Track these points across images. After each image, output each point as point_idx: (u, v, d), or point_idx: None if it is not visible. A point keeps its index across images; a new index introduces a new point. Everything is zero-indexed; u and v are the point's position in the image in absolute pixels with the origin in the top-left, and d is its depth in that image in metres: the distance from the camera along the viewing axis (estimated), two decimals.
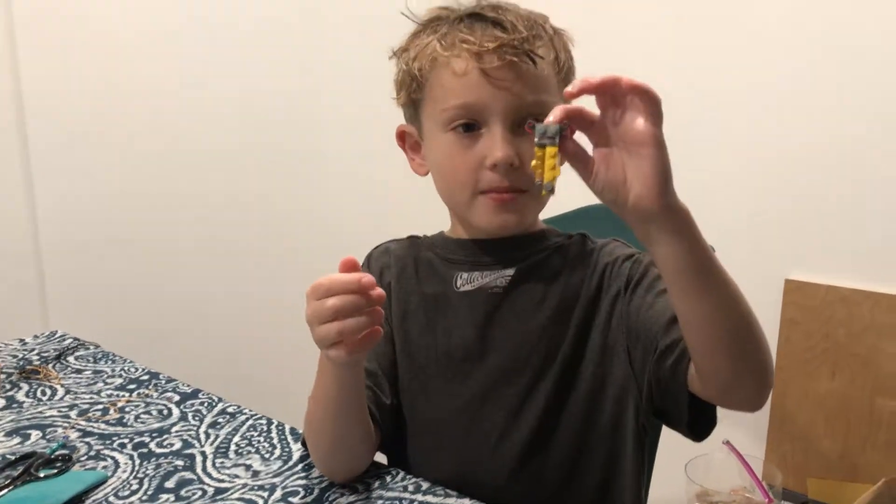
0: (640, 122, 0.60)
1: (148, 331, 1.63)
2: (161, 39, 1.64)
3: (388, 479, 0.84)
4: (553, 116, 0.62)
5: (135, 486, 0.83)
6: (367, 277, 0.67)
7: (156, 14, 1.63)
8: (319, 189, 1.95)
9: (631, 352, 0.82)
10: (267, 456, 0.89)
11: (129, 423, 0.98)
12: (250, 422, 0.98)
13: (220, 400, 1.04)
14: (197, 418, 0.99)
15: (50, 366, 1.15)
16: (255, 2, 1.78)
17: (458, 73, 0.81)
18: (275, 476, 0.85)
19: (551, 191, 0.65)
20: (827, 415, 1.69)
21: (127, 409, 1.02)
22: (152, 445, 0.92)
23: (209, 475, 0.85)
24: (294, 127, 1.88)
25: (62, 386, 1.09)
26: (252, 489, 0.82)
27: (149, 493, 0.82)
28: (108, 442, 0.93)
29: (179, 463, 0.88)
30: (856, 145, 1.63)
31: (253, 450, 0.91)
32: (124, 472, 0.86)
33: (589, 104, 0.64)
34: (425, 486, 0.82)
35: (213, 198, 1.77)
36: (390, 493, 0.81)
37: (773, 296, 1.74)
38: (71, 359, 1.19)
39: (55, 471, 0.85)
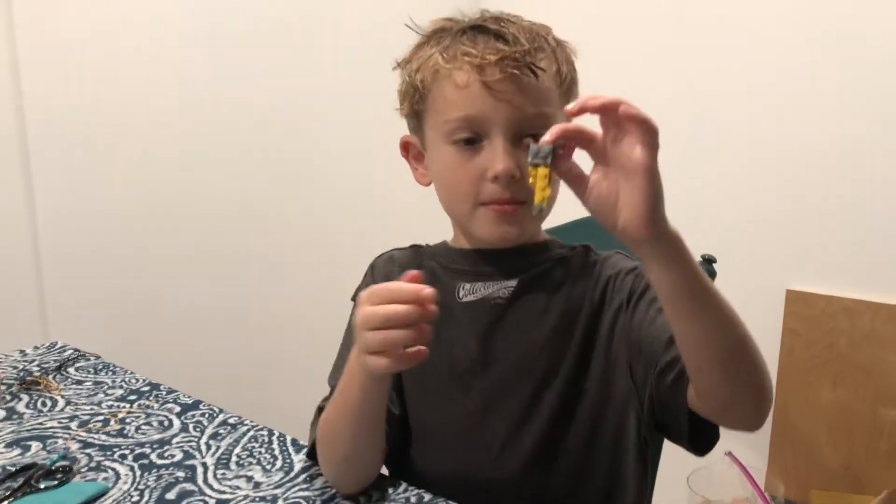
0: (635, 151, 0.60)
1: (148, 342, 1.63)
2: (161, 40, 1.63)
3: (391, 490, 0.83)
4: (548, 136, 0.63)
5: (136, 498, 0.83)
6: (428, 290, 0.67)
7: (157, 16, 1.62)
8: (325, 201, 1.94)
9: (633, 365, 0.82)
10: (268, 467, 0.89)
11: (129, 435, 0.98)
12: (251, 433, 0.97)
13: (221, 411, 1.03)
14: (198, 429, 0.99)
15: (50, 377, 1.15)
16: (258, 4, 1.78)
17: (460, 85, 0.81)
18: (276, 487, 0.85)
19: (541, 212, 0.65)
20: (829, 425, 1.69)
21: (128, 421, 1.02)
22: (153, 457, 0.92)
23: (210, 486, 0.85)
24: (300, 134, 1.88)
25: (63, 397, 1.09)
26: (254, 501, 0.82)
27: None
28: (108, 453, 0.93)
29: (180, 474, 0.88)
30: (858, 156, 1.64)
31: (254, 461, 0.90)
32: (125, 483, 0.86)
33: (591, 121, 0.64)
34: (427, 497, 0.82)
35: (214, 208, 1.76)
36: None
37: (775, 306, 1.75)
38: (71, 370, 1.19)
39: (56, 482, 0.85)
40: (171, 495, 0.83)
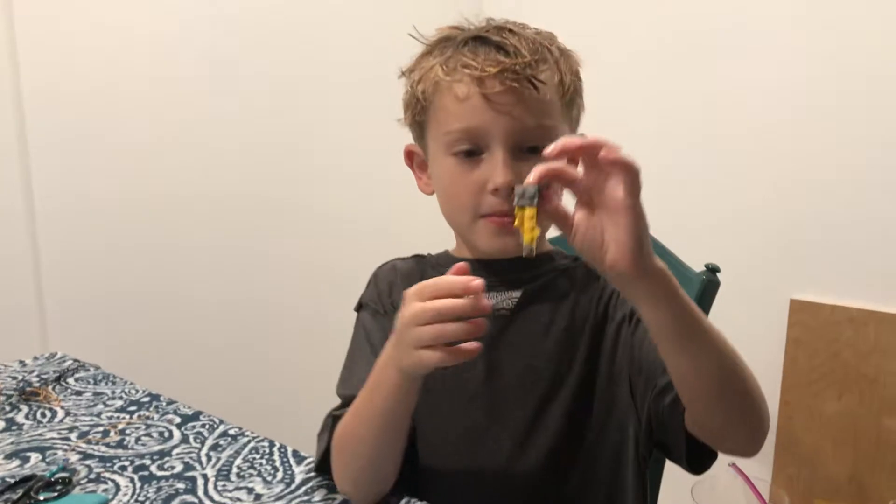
0: (618, 192, 0.60)
1: (149, 352, 1.63)
2: (162, 41, 1.63)
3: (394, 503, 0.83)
4: (532, 177, 0.62)
5: None
6: (478, 281, 0.66)
7: (157, 15, 1.62)
8: (329, 212, 1.94)
9: (633, 381, 0.82)
10: (269, 479, 0.88)
11: (129, 446, 0.97)
12: (252, 444, 0.97)
13: (221, 422, 1.03)
14: (198, 440, 0.98)
15: (50, 387, 1.15)
16: (262, 7, 1.77)
17: (460, 97, 0.81)
18: (277, 499, 0.84)
19: (531, 252, 0.65)
20: (834, 436, 1.68)
21: (127, 432, 1.01)
22: (153, 468, 0.91)
23: (211, 498, 0.84)
24: (305, 140, 1.88)
25: (62, 408, 1.08)
26: None
27: None
28: (108, 464, 0.92)
29: (181, 486, 0.87)
30: (862, 165, 1.63)
31: (255, 472, 0.90)
32: (125, 495, 0.85)
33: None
34: None
35: (217, 216, 1.76)
36: None
37: (779, 316, 1.74)
38: (71, 380, 1.18)
39: (55, 494, 0.84)
40: None
